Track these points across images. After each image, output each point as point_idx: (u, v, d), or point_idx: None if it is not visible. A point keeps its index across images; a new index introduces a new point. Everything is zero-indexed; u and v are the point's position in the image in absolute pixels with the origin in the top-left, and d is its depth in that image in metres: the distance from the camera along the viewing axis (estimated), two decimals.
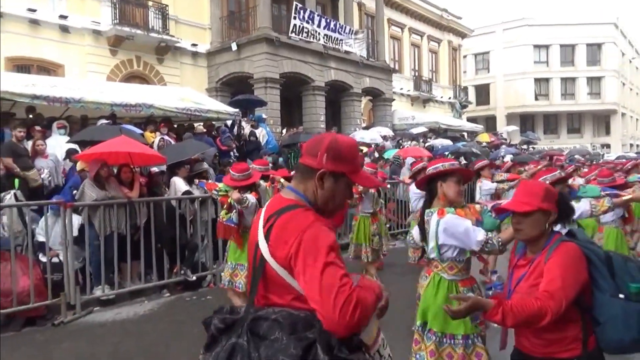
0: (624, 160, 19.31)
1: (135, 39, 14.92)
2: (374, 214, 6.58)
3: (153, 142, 8.69)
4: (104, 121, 9.34)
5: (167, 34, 15.58)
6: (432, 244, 2.80)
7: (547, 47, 40.91)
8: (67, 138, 8.11)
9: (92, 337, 4.97)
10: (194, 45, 17.00)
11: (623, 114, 44.18)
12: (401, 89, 25.27)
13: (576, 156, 20.04)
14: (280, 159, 11.67)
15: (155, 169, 7.28)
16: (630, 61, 48.11)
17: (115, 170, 6.37)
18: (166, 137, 9.12)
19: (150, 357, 4.45)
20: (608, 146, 40.42)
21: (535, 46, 40.84)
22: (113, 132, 7.12)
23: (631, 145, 45.18)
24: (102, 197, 5.83)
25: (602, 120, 42.87)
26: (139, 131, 8.77)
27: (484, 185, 6.89)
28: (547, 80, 41.08)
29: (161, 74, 16.11)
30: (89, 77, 13.86)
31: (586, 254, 2.04)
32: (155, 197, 6.68)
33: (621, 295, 1.98)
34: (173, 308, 5.96)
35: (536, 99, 41.05)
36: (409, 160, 11.06)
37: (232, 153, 10.65)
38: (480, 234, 2.63)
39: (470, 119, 33.24)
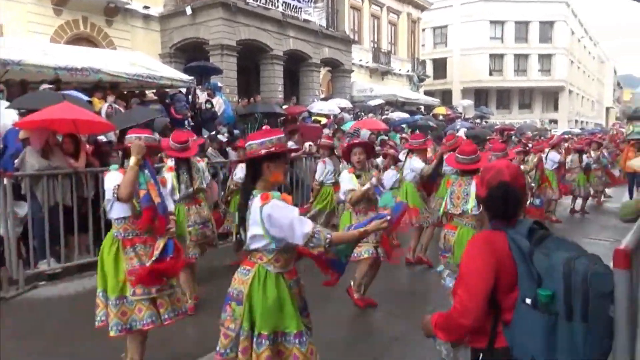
0: (569, 135, 20.23)
1: None
2: (335, 183, 6.65)
3: (101, 109, 8.28)
4: (46, 86, 8.74)
5: None
6: (255, 231, 2.37)
7: (502, 23, 41.66)
8: (7, 103, 7.56)
9: (37, 313, 4.76)
10: (146, 7, 16.12)
11: (570, 91, 45.97)
12: (360, 60, 25.13)
13: (527, 132, 20.86)
14: (236, 131, 11.42)
15: (102, 138, 6.95)
16: (579, 40, 49.83)
17: (60, 139, 6.03)
18: (115, 105, 8.71)
19: (102, 333, 4.32)
20: (555, 122, 42.13)
21: (492, 22, 41.51)
22: (55, 100, 6.64)
23: (576, 121, 47.24)
24: (45, 167, 5.53)
25: (551, 97, 44.51)
26: (86, 98, 8.29)
27: (414, 163, 6.14)
28: (501, 56, 42.00)
29: (110, 37, 15.24)
30: (30, 38, 12.94)
31: (511, 248, 1.75)
32: (103, 167, 6.39)
33: (528, 301, 1.65)
34: None
35: (490, 74, 41.99)
36: (365, 132, 11.10)
37: (186, 122, 10.33)
38: (306, 226, 2.30)
39: (427, 93, 33.63)
